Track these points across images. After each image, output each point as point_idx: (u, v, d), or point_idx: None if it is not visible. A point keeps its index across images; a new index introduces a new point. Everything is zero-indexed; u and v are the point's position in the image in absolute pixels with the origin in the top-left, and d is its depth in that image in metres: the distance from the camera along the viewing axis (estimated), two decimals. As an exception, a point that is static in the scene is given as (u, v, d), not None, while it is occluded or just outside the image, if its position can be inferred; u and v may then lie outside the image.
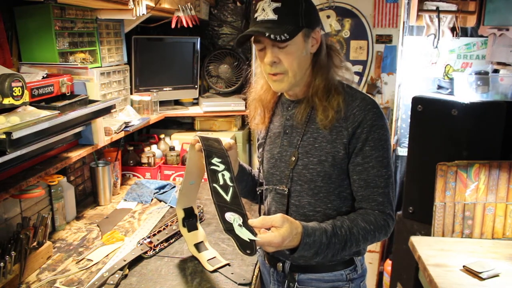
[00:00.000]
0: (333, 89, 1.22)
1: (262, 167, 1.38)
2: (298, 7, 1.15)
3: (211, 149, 1.24)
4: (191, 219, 1.46)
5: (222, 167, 1.20)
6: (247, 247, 1.01)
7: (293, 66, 1.18)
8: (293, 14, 1.15)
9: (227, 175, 1.18)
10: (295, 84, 1.23)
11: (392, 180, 1.22)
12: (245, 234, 1.03)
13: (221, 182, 1.16)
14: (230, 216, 1.07)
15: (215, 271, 1.41)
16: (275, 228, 1.06)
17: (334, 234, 1.13)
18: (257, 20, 1.15)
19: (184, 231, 1.47)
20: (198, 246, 1.47)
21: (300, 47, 1.18)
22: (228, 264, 1.43)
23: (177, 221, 1.69)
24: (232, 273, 1.39)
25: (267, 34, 1.10)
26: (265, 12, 1.14)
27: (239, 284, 1.34)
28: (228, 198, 1.12)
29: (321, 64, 1.23)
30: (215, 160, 1.20)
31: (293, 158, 1.25)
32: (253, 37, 1.19)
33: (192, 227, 1.46)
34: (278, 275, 1.36)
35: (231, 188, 1.15)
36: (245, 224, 1.06)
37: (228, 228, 1.04)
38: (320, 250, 1.11)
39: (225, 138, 1.33)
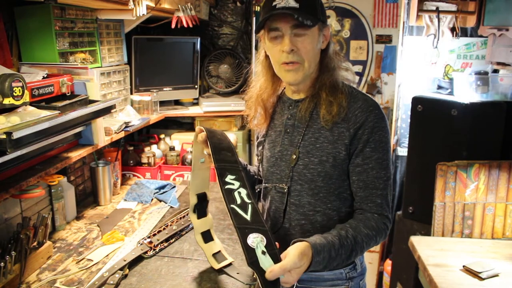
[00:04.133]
0: (338, 87, 1.23)
1: (262, 165, 1.38)
2: (316, 0, 1.18)
3: (223, 165, 1.19)
4: (203, 204, 1.40)
5: (237, 184, 1.16)
6: (271, 286, 0.98)
7: (309, 56, 1.19)
8: (313, 5, 1.17)
9: (243, 192, 1.14)
10: (307, 77, 1.24)
11: (391, 182, 1.23)
12: (267, 265, 1.01)
13: (239, 201, 1.12)
14: (253, 239, 1.04)
15: (220, 270, 1.39)
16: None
17: (341, 246, 1.12)
18: (277, 7, 1.15)
19: (193, 217, 1.40)
20: (204, 235, 1.42)
21: (316, 39, 1.20)
22: (231, 263, 1.42)
23: (177, 221, 1.70)
24: (237, 273, 1.38)
25: (295, 16, 1.11)
26: (286, 0, 1.14)
27: (246, 284, 1.34)
28: (248, 217, 1.09)
29: (328, 61, 1.25)
30: (228, 178, 1.17)
31: (294, 157, 1.26)
32: (267, 26, 1.19)
33: (202, 213, 1.40)
34: None
35: (249, 206, 1.11)
36: (269, 248, 1.03)
37: (252, 260, 1.01)
38: (328, 263, 1.11)
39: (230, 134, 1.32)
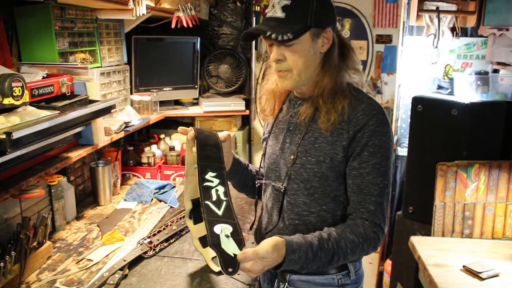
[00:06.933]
0: (340, 91, 1.19)
1: (264, 161, 1.39)
2: (308, 6, 1.13)
3: (206, 161, 1.21)
4: (198, 210, 1.38)
5: (216, 182, 1.18)
6: (229, 264, 1.01)
7: (298, 65, 1.17)
8: (302, 13, 1.13)
9: (221, 190, 1.16)
10: (301, 83, 1.22)
11: (388, 191, 1.19)
12: (230, 248, 1.03)
13: (214, 198, 1.14)
14: (219, 227, 1.06)
15: (220, 273, 1.39)
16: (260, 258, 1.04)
17: (320, 248, 1.10)
18: (266, 16, 1.15)
19: (190, 223, 1.42)
20: (202, 240, 1.43)
21: (307, 47, 1.16)
22: None
23: (177, 221, 1.70)
24: (238, 274, 1.37)
25: (267, 34, 1.09)
26: (274, 9, 1.13)
27: (247, 285, 1.34)
28: (220, 212, 1.11)
29: (330, 64, 1.20)
30: (209, 176, 1.18)
31: (292, 157, 1.25)
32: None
33: (198, 219, 1.40)
34: (270, 274, 1.36)
35: (224, 203, 1.13)
36: (234, 235, 1.05)
37: (214, 242, 1.03)
38: (305, 264, 1.09)
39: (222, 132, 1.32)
